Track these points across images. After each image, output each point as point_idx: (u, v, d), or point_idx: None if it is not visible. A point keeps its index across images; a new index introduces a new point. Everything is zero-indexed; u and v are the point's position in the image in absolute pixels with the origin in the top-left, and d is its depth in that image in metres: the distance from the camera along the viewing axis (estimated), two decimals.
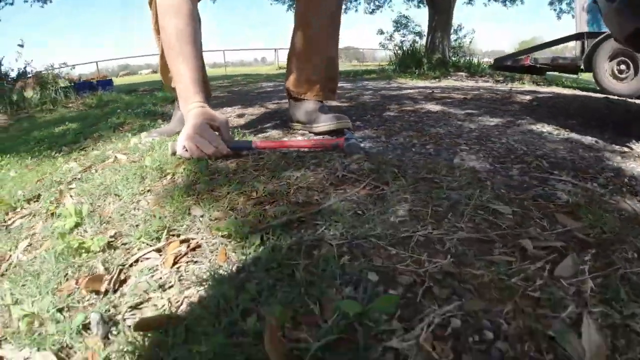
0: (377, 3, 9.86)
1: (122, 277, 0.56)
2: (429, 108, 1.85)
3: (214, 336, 0.40)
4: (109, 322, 0.47)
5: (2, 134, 2.85)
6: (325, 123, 1.21)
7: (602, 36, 2.58)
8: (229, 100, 2.79)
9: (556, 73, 4.08)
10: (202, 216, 0.69)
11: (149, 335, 0.43)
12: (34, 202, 0.97)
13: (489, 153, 1.04)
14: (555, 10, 9.00)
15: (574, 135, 1.29)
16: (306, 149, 1.04)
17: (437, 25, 6.59)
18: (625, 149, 1.14)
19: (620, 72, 2.57)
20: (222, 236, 0.61)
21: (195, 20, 1.08)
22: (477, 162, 0.96)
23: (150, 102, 2.94)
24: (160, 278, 0.54)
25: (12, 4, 7.07)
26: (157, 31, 1.23)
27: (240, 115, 1.87)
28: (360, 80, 4.53)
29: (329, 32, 1.28)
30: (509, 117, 1.60)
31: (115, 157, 1.14)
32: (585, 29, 3.31)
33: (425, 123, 1.46)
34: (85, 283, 0.53)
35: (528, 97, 2.34)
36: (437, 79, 4.68)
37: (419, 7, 10.00)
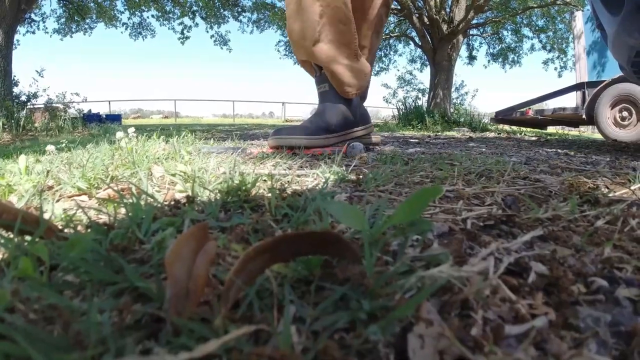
0: (382, 65, 10.34)
1: None
2: (437, 141, 1.82)
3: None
4: None
5: (2, 148, 2.81)
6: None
7: (603, 84, 2.61)
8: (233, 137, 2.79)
9: (558, 128, 4.14)
10: (161, 176, 0.61)
11: None
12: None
13: (499, 151, 0.98)
14: (556, 69, 9.12)
15: (590, 155, 1.24)
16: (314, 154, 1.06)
17: (438, 82, 6.85)
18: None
19: (623, 119, 2.57)
20: (180, 191, 0.52)
21: None
22: (493, 157, 0.89)
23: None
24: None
25: (33, 32, 7.49)
26: None
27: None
28: None
29: None
30: (519, 143, 1.56)
31: (97, 141, 1.09)
32: (585, 78, 3.39)
33: (433, 144, 1.42)
34: None
35: (534, 138, 2.32)
36: (439, 132, 4.73)
37: (421, 70, 10.50)
